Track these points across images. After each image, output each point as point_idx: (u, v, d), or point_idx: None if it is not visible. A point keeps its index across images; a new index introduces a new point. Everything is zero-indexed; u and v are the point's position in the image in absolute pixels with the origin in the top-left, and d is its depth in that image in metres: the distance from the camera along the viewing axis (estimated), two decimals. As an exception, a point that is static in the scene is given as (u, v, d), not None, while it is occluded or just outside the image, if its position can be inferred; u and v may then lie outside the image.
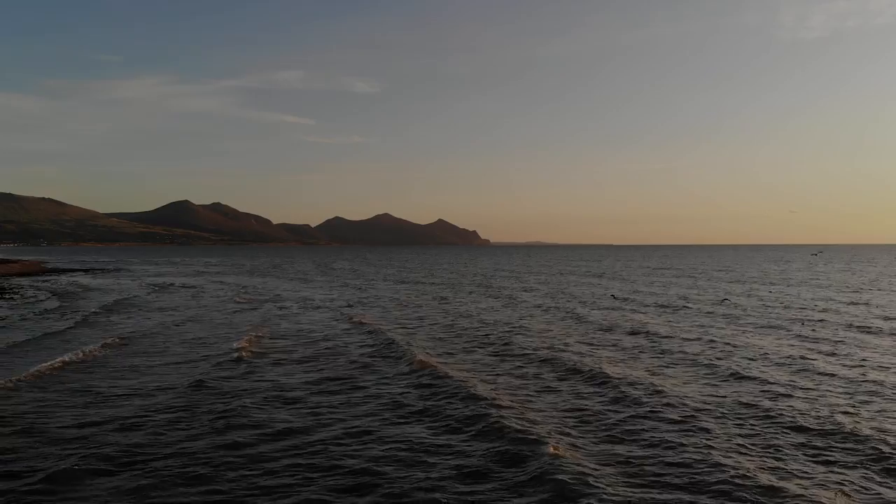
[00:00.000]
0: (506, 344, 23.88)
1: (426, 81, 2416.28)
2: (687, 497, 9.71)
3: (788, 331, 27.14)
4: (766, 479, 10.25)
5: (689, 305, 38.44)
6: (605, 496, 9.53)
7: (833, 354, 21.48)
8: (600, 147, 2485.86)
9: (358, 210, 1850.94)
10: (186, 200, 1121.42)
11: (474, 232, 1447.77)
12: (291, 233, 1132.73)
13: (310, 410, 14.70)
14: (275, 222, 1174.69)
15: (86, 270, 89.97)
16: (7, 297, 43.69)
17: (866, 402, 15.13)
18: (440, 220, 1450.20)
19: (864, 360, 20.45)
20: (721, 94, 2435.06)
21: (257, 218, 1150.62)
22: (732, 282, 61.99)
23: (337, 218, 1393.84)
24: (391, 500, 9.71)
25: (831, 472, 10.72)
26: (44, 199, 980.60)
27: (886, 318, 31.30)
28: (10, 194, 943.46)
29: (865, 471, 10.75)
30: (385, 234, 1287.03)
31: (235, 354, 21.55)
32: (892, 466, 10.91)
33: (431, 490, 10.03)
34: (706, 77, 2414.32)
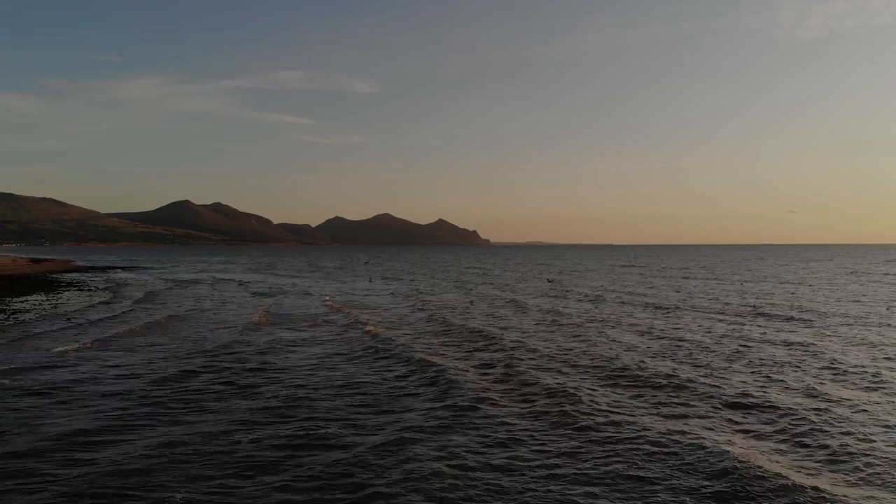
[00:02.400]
0: (443, 321, 31.36)
1: (426, 82, 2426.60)
2: (524, 403, 17.08)
3: (677, 311, 34.61)
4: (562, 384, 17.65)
5: (606, 296, 45.94)
6: (469, 387, 16.79)
7: (698, 329, 28.94)
8: (600, 147, 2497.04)
9: (358, 210, 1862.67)
10: (187, 200, 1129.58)
11: (474, 232, 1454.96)
12: (291, 233, 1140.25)
13: (301, 353, 22.41)
14: (275, 222, 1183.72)
15: (123, 268, 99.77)
16: (85, 288, 53.76)
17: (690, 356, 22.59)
18: (440, 220, 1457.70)
19: (713, 330, 27.94)
20: (721, 94, 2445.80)
21: (257, 218, 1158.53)
22: (684, 277, 69.40)
23: (337, 218, 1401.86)
24: (351, 385, 17.21)
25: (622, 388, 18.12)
26: (44, 199, 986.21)
27: (794, 306, 38.71)
28: (10, 194, 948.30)
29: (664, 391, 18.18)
30: (385, 234, 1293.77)
31: (253, 324, 30.29)
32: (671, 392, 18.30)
33: (375, 383, 17.68)
34: (706, 77, 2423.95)
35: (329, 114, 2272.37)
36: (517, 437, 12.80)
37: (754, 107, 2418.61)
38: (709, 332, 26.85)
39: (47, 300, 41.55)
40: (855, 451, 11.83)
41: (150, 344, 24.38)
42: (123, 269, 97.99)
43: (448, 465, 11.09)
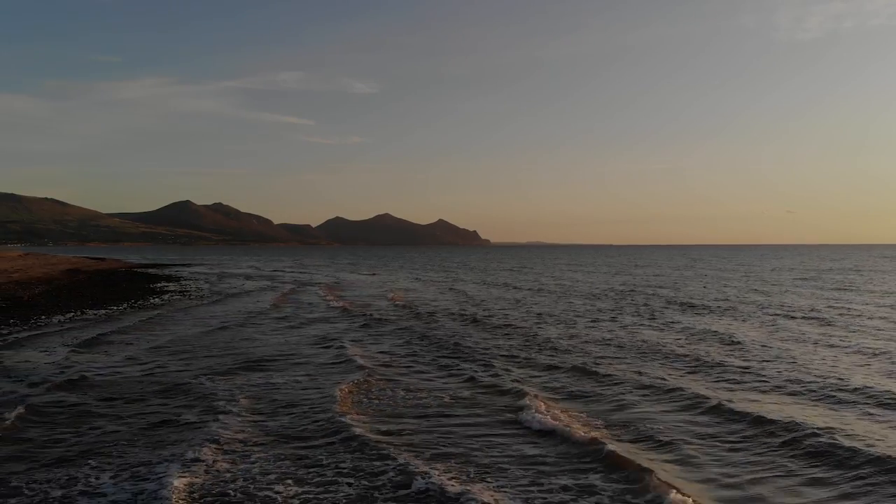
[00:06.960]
0: (395, 302, 46.02)
1: (426, 82, 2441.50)
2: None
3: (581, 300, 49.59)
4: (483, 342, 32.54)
5: (514, 287, 60.99)
6: (401, 323, 31.55)
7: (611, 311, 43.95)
8: (601, 148, 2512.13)
9: (358, 210, 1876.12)
10: (188, 200, 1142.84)
11: (474, 232, 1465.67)
12: (292, 233, 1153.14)
13: (305, 310, 37.54)
14: (276, 222, 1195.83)
15: (163, 265, 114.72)
16: (186, 279, 71.86)
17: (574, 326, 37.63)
18: (440, 220, 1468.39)
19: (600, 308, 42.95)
20: (722, 94, 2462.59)
21: (258, 218, 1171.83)
22: (618, 273, 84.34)
23: (338, 218, 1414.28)
24: (324, 318, 32.03)
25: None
26: (46, 199, 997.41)
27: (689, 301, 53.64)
28: (12, 194, 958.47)
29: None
30: (386, 234, 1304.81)
31: (280, 295, 47.34)
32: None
33: (339, 329, 32.48)
34: (708, 78, 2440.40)
35: (329, 114, 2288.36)
36: (404, 329, 27.83)
37: (755, 107, 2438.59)
38: (560, 304, 41.95)
39: (181, 287, 57.25)
40: (578, 351, 26.73)
41: (245, 300, 42.82)
42: (164, 265, 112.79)
43: (366, 341, 26.15)
